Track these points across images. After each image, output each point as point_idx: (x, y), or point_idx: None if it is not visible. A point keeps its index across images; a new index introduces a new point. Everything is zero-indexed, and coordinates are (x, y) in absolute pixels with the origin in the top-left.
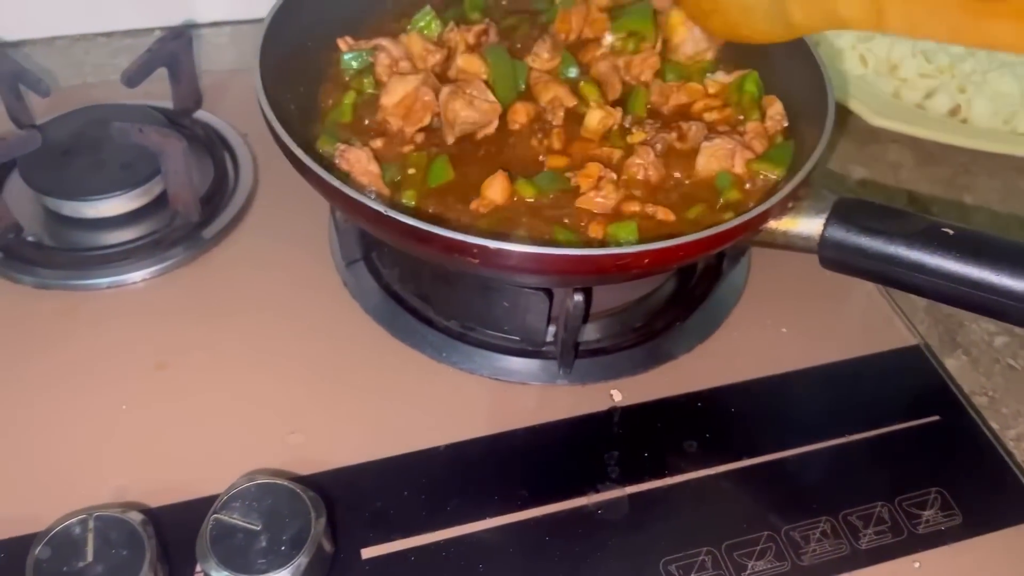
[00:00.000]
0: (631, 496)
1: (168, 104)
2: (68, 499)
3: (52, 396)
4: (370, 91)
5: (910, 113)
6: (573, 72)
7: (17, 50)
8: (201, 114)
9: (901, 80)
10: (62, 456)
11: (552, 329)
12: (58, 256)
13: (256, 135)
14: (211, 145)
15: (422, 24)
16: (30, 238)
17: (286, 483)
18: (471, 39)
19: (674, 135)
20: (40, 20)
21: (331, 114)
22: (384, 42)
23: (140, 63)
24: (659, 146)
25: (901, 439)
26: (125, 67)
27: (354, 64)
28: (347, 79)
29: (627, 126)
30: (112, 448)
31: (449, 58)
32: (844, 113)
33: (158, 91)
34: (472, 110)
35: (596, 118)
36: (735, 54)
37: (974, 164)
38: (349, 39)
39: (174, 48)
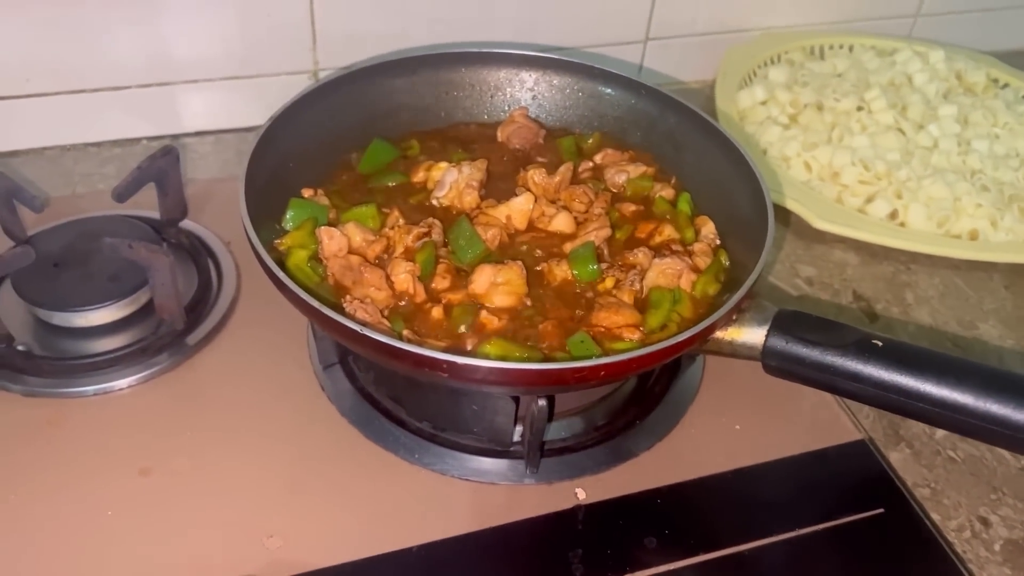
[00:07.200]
0: None
1: (155, 214)
2: None
3: (39, 503)
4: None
5: (852, 217)
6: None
7: (7, 160)
8: (186, 223)
9: (843, 186)
10: (50, 564)
11: (519, 429)
12: (47, 365)
13: (239, 242)
14: (195, 253)
15: (362, 214)
16: (20, 347)
17: None
18: (410, 240)
19: (636, 269)
20: (30, 131)
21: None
22: (325, 233)
23: (130, 180)
24: (636, 285)
25: (849, 531)
26: (113, 175)
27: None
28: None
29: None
30: (97, 555)
31: (389, 248)
32: (790, 216)
33: (145, 201)
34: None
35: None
36: (675, 171)
37: (914, 262)
38: (310, 191)
39: (163, 164)
